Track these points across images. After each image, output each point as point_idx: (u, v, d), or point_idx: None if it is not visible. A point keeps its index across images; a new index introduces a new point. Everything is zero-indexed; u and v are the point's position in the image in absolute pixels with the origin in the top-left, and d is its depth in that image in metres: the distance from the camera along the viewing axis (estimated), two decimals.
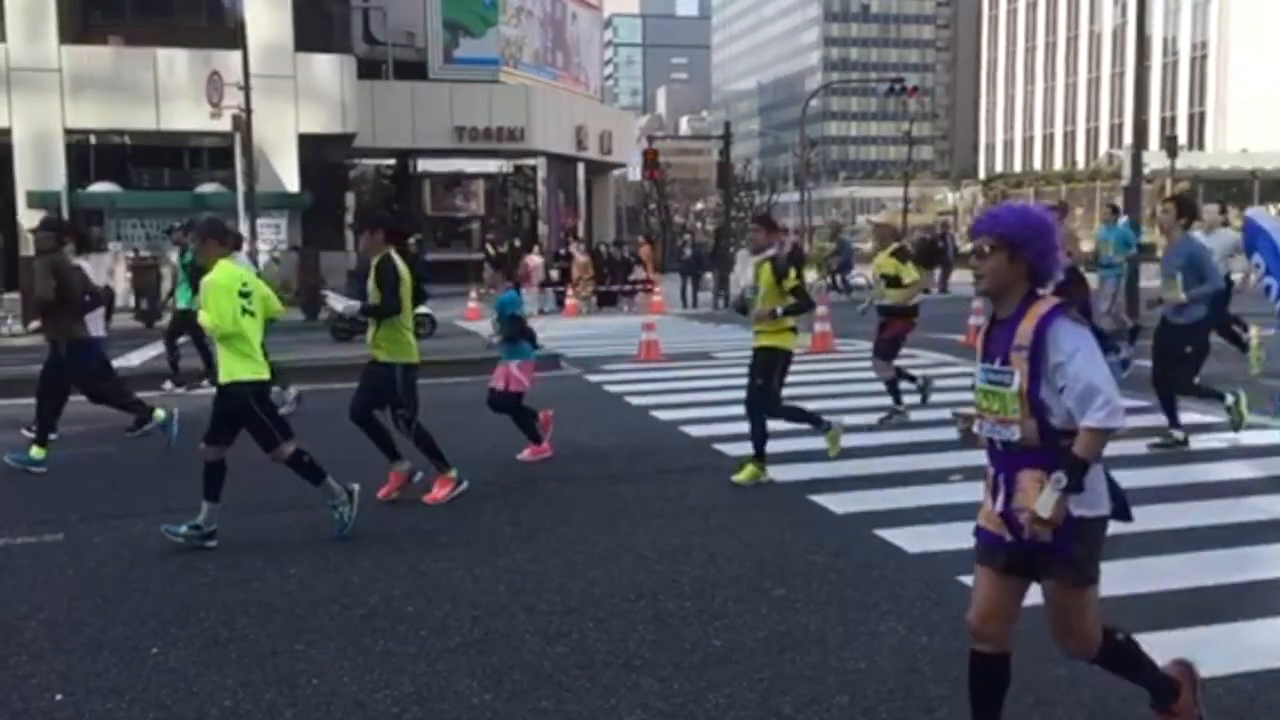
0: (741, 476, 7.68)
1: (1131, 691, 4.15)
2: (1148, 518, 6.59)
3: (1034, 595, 5.12)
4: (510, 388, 8.55)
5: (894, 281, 9.74)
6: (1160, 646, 4.59)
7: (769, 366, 7.75)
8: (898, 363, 10.25)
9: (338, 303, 20.50)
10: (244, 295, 6.40)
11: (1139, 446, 8.29)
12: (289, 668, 4.57)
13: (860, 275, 29.67)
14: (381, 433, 7.47)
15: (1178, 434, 8.34)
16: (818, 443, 8.92)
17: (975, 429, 3.43)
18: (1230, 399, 8.48)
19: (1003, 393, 3.27)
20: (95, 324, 9.74)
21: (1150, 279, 13.07)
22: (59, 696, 4.35)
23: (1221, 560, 5.70)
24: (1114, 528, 6.13)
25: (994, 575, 3.38)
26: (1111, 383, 3.18)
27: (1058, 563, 3.26)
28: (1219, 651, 4.50)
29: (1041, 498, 3.17)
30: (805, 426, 8.26)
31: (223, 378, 6.39)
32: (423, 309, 17.14)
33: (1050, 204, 13.50)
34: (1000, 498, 3.32)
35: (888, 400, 10.17)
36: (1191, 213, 8.45)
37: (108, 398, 9.48)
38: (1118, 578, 5.39)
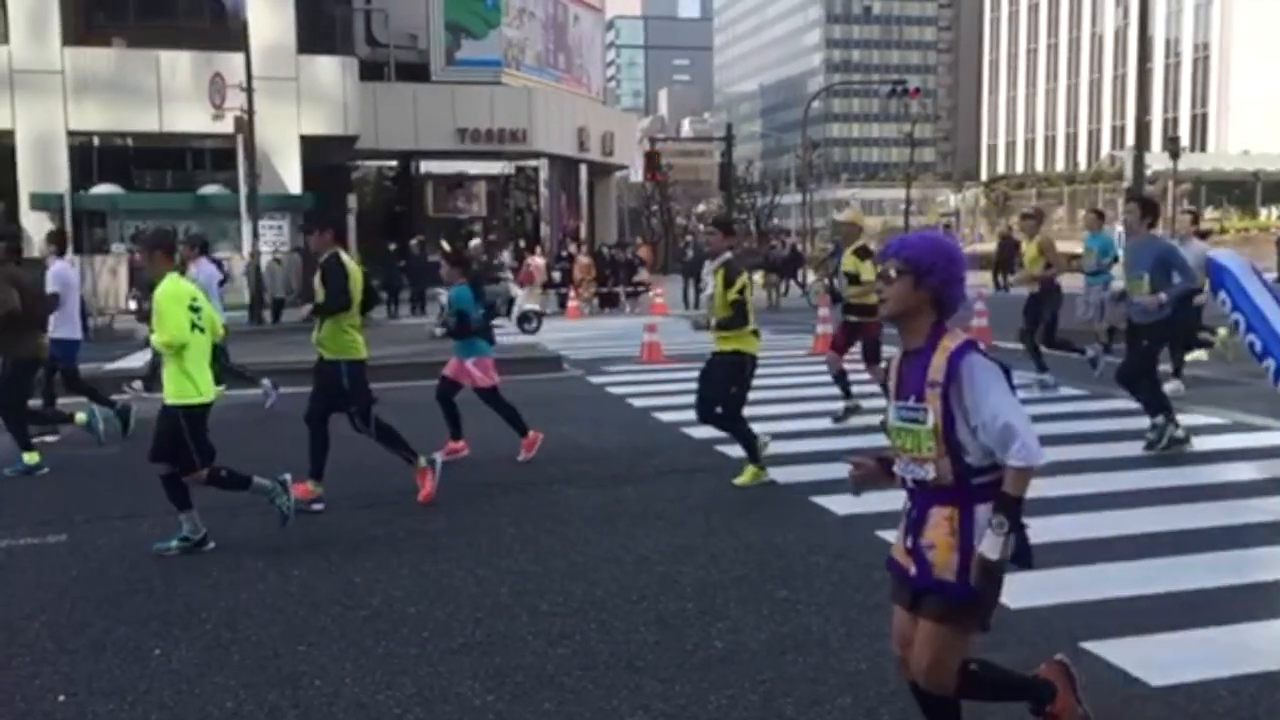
0: (743, 479, 7.68)
1: (1136, 692, 4.16)
2: (1151, 519, 6.60)
3: (1034, 593, 5.13)
4: (476, 384, 8.57)
5: (857, 279, 9.59)
6: (1163, 648, 4.60)
7: (738, 373, 7.65)
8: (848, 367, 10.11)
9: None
10: (194, 310, 6.30)
11: (1136, 449, 8.29)
12: (291, 669, 4.58)
13: None
14: (324, 443, 7.34)
15: (1179, 433, 8.26)
16: (820, 444, 8.93)
17: (895, 468, 3.36)
18: (1160, 420, 8.29)
19: (917, 430, 3.19)
20: (72, 326, 9.94)
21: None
22: (62, 697, 4.36)
23: (1224, 562, 5.69)
24: (1116, 529, 6.13)
25: (904, 612, 3.32)
26: (1026, 421, 3.09)
27: (953, 603, 3.16)
28: (1222, 653, 4.50)
29: (986, 543, 3.07)
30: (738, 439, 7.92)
31: (167, 397, 6.27)
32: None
33: (1026, 211, 13.42)
34: (911, 534, 3.27)
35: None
36: (1155, 213, 8.39)
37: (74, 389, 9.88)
38: (1119, 580, 5.40)
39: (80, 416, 9.50)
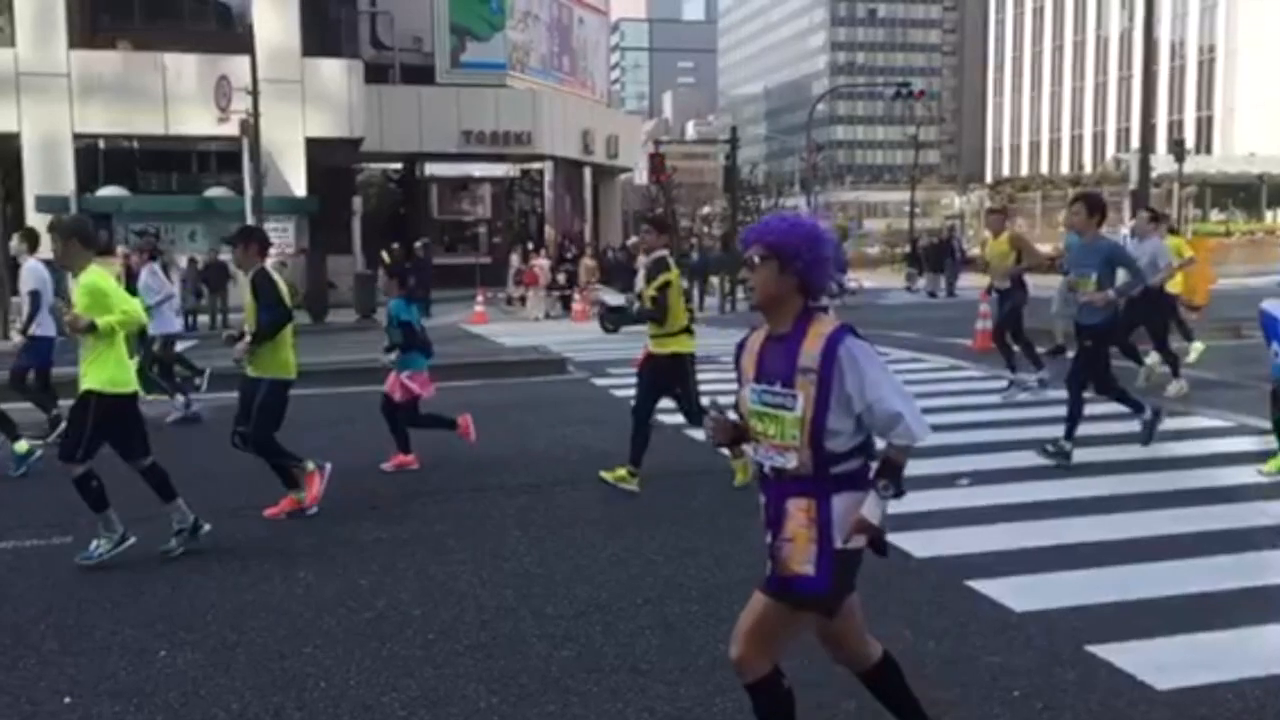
0: (740, 479, 7.64)
1: (1142, 696, 4.15)
2: (1157, 523, 6.58)
3: (1040, 596, 5.12)
4: (401, 396, 8.41)
5: None
6: (1169, 651, 4.59)
7: (678, 374, 7.59)
8: None
9: (608, 296, 21.15)
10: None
11: (1140, 452, 8.28)
12: (297, 671, 4.58)
13: (854, 279, 29.70)
14: (282, 453, 7.19)
15: (1146, 415, 8.23)
16: None
17: (750, 451, 3.28)
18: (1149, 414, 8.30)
19: (782, 417, 3.10)
20: (48, 324, 9.94)
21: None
22: (67, 699, 4.36)
23: (1231, 565, 5.68)
24: (1122, 533, 6.12)
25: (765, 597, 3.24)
26: (910, 400, 3.09)
27: (805, 597, 3.13)
28: (1228, 657, 4.50)
29: (868, 505, 3.07)
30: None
31: (94, 384, 6.05)
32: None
33: (992, 206, 13.42)
34: (770, 530, 3.20)
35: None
36: (1103, 211, 8.32)
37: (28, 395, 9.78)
38: (1125, 584, 5.39)
39: (20, 446, 8.83)
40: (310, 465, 7.22)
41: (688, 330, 7.68)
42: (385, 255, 18.52)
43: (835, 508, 3.10)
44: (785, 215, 3.29)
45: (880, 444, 3.16)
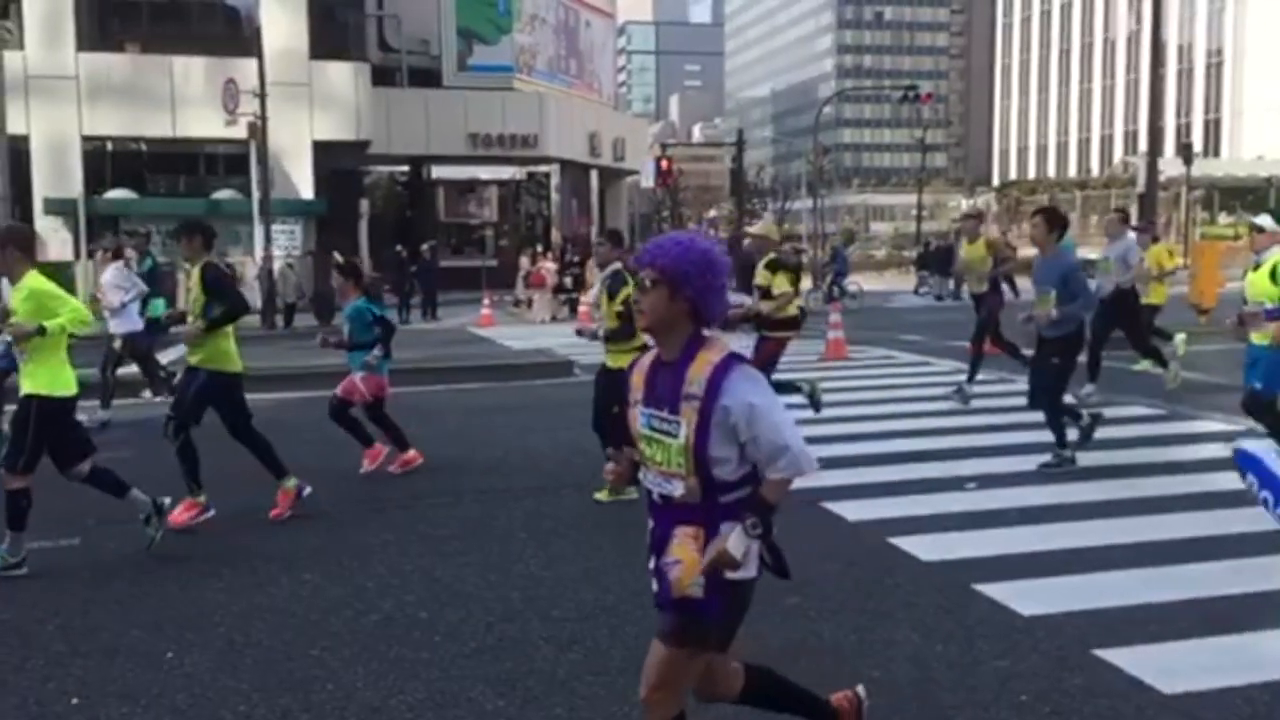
0: (602, 495, 7.39)
1: (1149, 700, 4.14)
2: (1164, 526, 6.57)
3: (1046, 599, 5.11)
4: (346, 395, 8.35)
5: (767, 293, 9.22)
6: (1177, 655, 4.58)
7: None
8: (785, 376, 9.77)
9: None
10: None
11: (1148, 455, 8.25)
12: (304, 673, 4.59)
13: (854, 283, 29.67)
14: (266, 449, 7.15)
15: (1065, 453, 7.99)
16: (830, 450, 8.90)
17: (642, 478, 3.17)
18: (1086, 420, 8.18)
19: (668, 444, 3.01)
20: None
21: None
22: (75, 700, 4.37)
23: (1239, 569, 5.67)
24: (1129, 536, 6.11)
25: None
26: (794, 431, 2.99)
27: (695, 619, 3.01)
28: (1237, 661, 4.49)
29: (733, 539, 2.94)
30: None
31: (37, 387, 5.99)
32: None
33: (967, 212, 13.37)
34: (655, 553, 3.11)
35: (901, 407, 10.13)
36: (1063, 225, 8.29)
37: None
38: (1132, 587, 5.38)
39: None
40: (202, 497, 6.99)
41: (644, 347, 7.58)
42: (337, 256, 18.22)
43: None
44: (680, 237, 3.13)
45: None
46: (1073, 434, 8.14)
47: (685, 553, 3.01)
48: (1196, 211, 50.64)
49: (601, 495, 7.38)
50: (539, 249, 32.71)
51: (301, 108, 31.12)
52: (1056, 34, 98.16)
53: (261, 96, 25.33)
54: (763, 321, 9.27)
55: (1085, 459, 8.06)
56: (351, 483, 8.14)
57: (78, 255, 25.06)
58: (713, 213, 72.60)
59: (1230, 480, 7.65)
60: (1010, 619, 5.04)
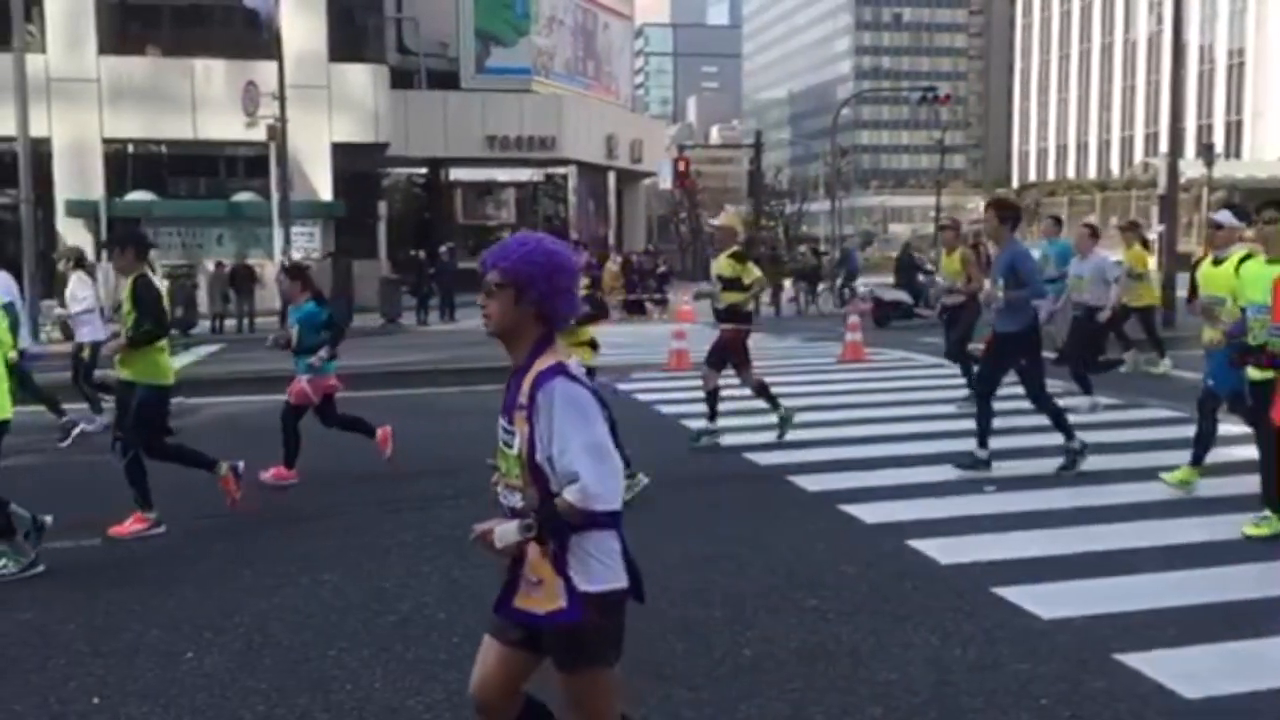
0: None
1: (1170, 705, 4.11)
2: (1185, 530, 6.52)
3: (1067, 603, 5.08)
4: (294, 400, 8.29)
5: (732, 284, 9.16)
6: (1198, 659, 4.55)
7: None
8: (759, 377, 9.66)
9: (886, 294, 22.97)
10: None
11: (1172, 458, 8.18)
12: (322, 673, 4.60)
13: (865, 285, 29.61)
14: (180, 454, 7.14)
15: (981, 454, 7.93)
16: (848, 453, 8.89)
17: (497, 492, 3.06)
18: (1077, 445, 8.01)
19: (508, 454, 2.93)
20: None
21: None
22: (96, 700, 4.40)
23: (1261, 573, 5.63)
24: (1151, 540, 6.06)
25: (501, 648, 3.05)
26: (601, 458, 2.80)
27: (571, 633, 2.89)
28: (1259, 665, 4.46)
29: (504, 527, 2.85)
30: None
31: None
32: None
33: (943, 223, 13.17)
34: (512, 567, 2.99)
35: (919, 409, 10.08)
36: (1015, 216, 8.27)
37: None
38: (1153, 591, 5.35)
39: None
40: (223, 468, 7.10)
41: (592, 343, 7.51)
42: (284, 259, 17.89)
43: (572, 547, 2.86)
44: (525, 238, 3.00)
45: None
46: (1056, 437, 8.11)
47: (545, 570, 2.88)
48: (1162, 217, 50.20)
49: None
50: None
51: (320, 110, 31.23)
52: (1076, 35, 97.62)
53: (281, 99, 25.44)
54: (725, 314, 9.24)
55: (1104, 462, 8.02)
56: (369, 484, 8.17)
57: (99, 257, 25.21)
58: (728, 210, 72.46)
59: (1251, 483, 7.62)
60: (1030, 622, 5.01)
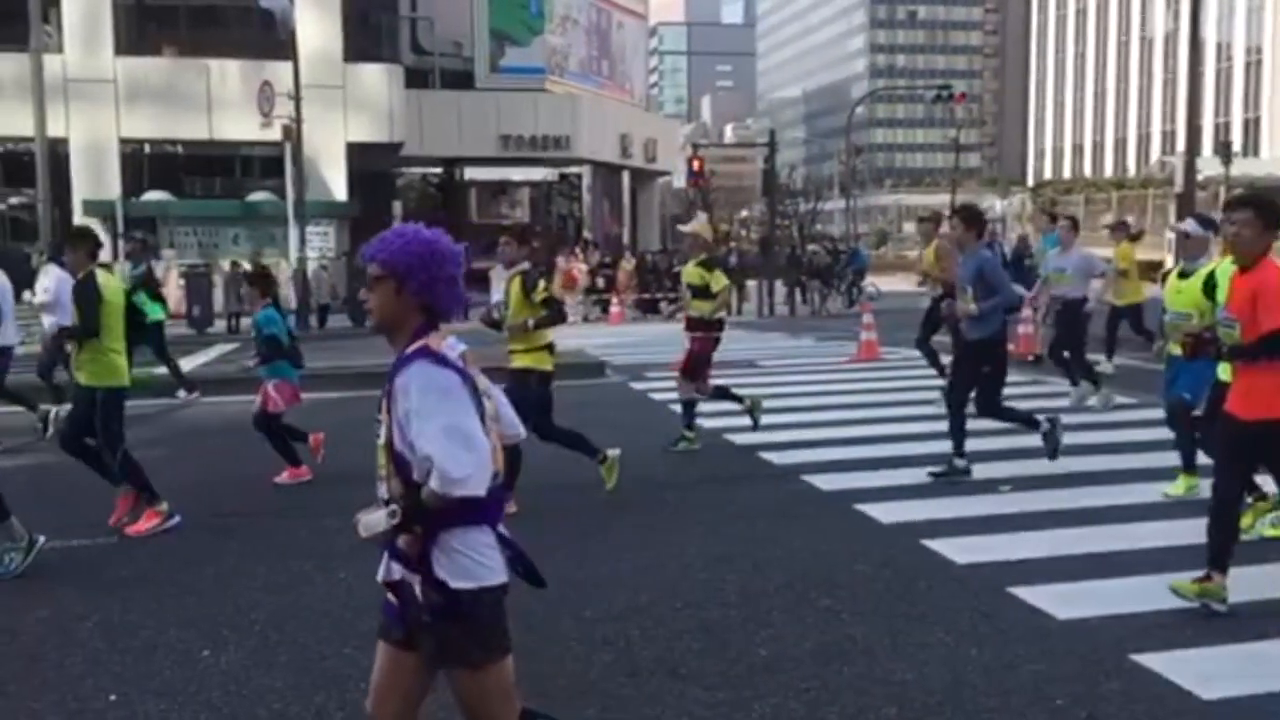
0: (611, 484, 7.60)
1: (1187, 706, 4.09)
2: (1201, 530, 6.49)
3: (1082, 604, 5.06)
4: (266, 407, 8.20)
5: (701, 292, 9.16)
6: (1214, 660, 4.53)
7: (529, 391, 7.18)
8: (721, 381, 9.79)
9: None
10: None
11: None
12: (338, 671, 4.62)
13: (872, 284, 29.49)
14: (96, 459, 7.02)
15: (960, 463, 7.87)
16: (863, 452, 8.88)
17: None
18: (1045, 426, 7.96)
19: (378, 444, 2.87)
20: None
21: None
22: (113, 697, 4.43)
23: (1269, 576, 5.59)
24: (1165, 540, 6.02)
25: (390, 649, 2.99)
26: (459, 442, 2.71)
27: (434, 636, 2.83)
28: (1276, 666, 4.43)
29: (371, 517, 2.79)
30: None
31: None
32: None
33: (922, 215, 13.10)
34: (388, 563, 2.93)
35: (934, 408, 10.04)
36: (980, 223, 8.22)
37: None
38: (1163, 593, 5.32)
39: None
40: (126, 489, 7.00)
41: (549, 347, 7.47)
42: (246, 264, 17.58)
43: (440, 540, 2.80)
44: (404, 229, 2.93)
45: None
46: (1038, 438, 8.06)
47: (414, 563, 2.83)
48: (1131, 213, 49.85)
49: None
50: (576, 250, 32.76)
51: (335, 110, 31.31)
52: (1093, 31, 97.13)
53: (296, 99, 25.51)
54: (694, 322, 9.30)
55: (1119, 462, 7.98)
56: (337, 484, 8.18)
57: (116, 256, 25.33)
58: (744, 213, 72.40)
59: (1266, 484, 7.57)
60: (1045, 622, 5.00)
